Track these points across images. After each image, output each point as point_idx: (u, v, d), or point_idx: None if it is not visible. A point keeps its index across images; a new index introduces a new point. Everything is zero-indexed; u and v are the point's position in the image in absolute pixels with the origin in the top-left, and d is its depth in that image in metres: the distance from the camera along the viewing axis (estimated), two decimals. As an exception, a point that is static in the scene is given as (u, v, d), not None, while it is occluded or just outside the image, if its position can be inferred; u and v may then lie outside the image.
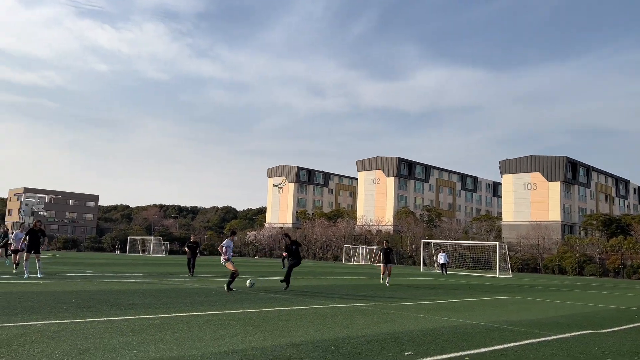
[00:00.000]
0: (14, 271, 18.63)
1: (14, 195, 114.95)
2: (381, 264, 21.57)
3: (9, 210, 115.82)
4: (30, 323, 7.65)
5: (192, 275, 20.86)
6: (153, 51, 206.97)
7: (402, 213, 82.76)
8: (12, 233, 22.72)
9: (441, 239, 55.43)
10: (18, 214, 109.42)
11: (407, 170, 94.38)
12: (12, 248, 20.95)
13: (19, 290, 12.48)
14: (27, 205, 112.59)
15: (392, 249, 24.89)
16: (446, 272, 37.17)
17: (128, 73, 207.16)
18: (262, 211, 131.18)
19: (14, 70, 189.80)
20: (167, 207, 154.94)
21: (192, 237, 22.24)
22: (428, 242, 47.49)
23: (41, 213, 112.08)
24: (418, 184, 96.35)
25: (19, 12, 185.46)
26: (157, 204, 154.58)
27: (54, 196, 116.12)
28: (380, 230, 78.72)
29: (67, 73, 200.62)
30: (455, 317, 10.64)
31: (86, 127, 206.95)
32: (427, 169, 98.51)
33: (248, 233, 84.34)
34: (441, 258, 37.77)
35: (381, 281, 21.64)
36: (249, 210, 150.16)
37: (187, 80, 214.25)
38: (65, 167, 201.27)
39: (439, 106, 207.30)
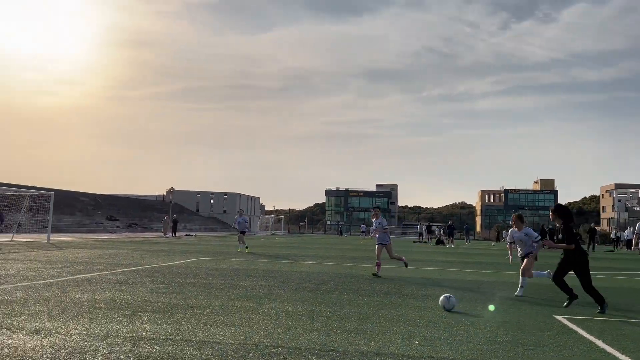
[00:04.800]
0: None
1: (606, 191, 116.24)
2: None
3: (603, 207, 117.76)
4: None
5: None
6: None
7: None
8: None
9: None
10: (612, 210, 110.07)
11: None
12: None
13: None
14: (619, 201, 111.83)
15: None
16: None
17: None
18: None
19: (591, 69, 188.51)
20: None
21: None
22: None
23: (635, 208, 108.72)
24: None
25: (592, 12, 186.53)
26: None
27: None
28: None
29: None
30: None
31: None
32: None
33: None
34: None
35: None
36: None
37: None
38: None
39: None
